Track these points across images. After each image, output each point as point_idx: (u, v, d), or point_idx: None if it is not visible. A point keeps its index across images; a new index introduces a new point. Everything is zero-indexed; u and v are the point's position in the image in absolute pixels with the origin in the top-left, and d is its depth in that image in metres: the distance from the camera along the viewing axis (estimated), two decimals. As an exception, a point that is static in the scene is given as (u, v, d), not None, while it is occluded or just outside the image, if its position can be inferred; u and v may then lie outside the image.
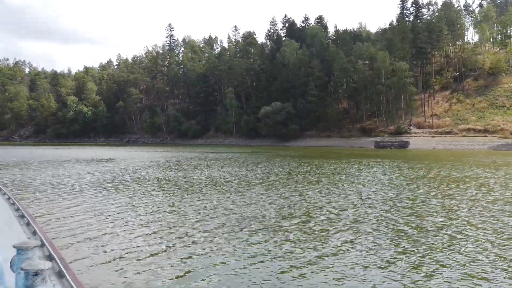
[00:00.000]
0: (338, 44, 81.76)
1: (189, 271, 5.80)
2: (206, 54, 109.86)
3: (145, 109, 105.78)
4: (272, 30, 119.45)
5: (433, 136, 59.92)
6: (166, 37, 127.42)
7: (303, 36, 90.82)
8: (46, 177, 17.36)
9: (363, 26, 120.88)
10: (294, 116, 73.15)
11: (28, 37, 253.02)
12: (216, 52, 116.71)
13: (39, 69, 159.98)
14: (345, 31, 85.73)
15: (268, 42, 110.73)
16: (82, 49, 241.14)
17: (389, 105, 68.17)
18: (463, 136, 57.30)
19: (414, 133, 62.98)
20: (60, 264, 4.05)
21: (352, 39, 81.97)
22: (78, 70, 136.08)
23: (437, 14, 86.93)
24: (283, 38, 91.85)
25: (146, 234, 7.88)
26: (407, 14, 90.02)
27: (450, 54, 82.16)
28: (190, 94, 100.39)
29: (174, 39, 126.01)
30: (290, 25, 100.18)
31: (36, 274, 2.20)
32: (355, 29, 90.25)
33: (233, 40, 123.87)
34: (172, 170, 21.18)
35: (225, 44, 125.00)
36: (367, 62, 72.43)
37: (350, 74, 71.50)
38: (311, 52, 79.80)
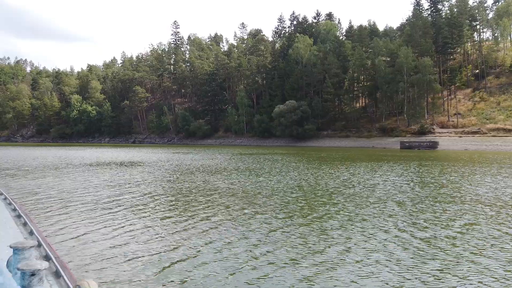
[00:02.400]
0: (353, 40, 78.76)
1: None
2: (214, 52, 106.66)
3: (151, 109, 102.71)
4: (280, 28, 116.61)
5: (460, 136, 56.99)
6: (172, 34, 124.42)
7: (315, 33, 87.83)
8: (104, 194, 14.32)
9: (372, 23, 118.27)
10: (309, 115, 70.18)
11: (27, 36, 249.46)
12: (223, 50, 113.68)
13: (41, 68, 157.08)
14: (361, 26, 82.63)
15: (275, 40, 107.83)
16: (83, 49, 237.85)
17: (410, 104, 65.26)
18: (492, 136, 54.38)
19: (439, 133, 60.02)
20: (57, 264, 4.03)
21: (369, 35, 78.96)
22: (82, 68, 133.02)
23: (455, 10, 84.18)
24: (296, 34, 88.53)
25: (154, 240, 7.45)
26: (420, 10, 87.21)
27: (469, 51, 79.34)
28: (198, 93, 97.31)
29: (180, 37, 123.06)
30: (301, 22, 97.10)
31: (33, 274, 2.17)
32: (370, 25, 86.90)
33: (240, 37, 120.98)
34: (230, 175, 17.97)
35: (231, 42, 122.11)
36: (384, 58, 69.52)
37: (369, 71, 68.51)
38: (326, 48, 76.80)
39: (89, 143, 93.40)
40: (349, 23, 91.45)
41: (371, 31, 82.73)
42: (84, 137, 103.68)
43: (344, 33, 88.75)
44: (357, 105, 75.53)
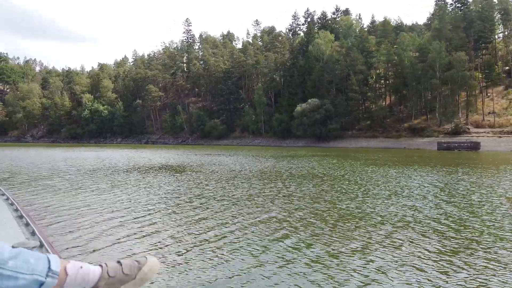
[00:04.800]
0: (377, 36, 75.33)
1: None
2: (228, 50, 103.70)
3: (164, 108, 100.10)
4: (294, 25, 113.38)
5: (500, 137, 53.22)
6: (184, 32, 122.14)
7: (335, 29, 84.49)
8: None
9: (396, 18, 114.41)
10: (333, 114, 66.84)
11: (27, 36, 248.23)
12: (237, 47, 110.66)
13: (50, 68, 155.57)
14: (385, 21, 78.96)
15: (289, 38, 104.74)
16: (88, 49, 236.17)
17: (441, 101, 61.62)
18: (536, 136, 50.70)
19: (475, 132, 56.28)
20: None
21: (394, 30, 75.39)
22: (92, 67, 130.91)
23: (480, 4, 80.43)
24: (315, 30, 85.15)
25: (155, 241, 6.93)
26: (445, 3, 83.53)
27: (498, 46, 75.39)
28: (213, 91, 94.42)
29: (192, 35, 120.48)
30: (320, 17, 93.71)
31: None
32: (395, 19, 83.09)
33: (254, 34, 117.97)
34: (335, 185, 14.84)
35: (247, 40, 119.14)
36: (412, 54, 65.99)
37: (397, 67, 64.97)
38: (348, 44, 73.34)
39: (101, 144, 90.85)
40: (372, 17, 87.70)
41: (396, 26, 79.02)
42: (95, 137, 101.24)
43: (366, 29, 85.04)
44: (383, 103, 71.97)
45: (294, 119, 70.89)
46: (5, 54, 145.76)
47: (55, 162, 27.43)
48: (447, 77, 57.22)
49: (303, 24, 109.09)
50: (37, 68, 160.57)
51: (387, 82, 70.77)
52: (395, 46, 69.58)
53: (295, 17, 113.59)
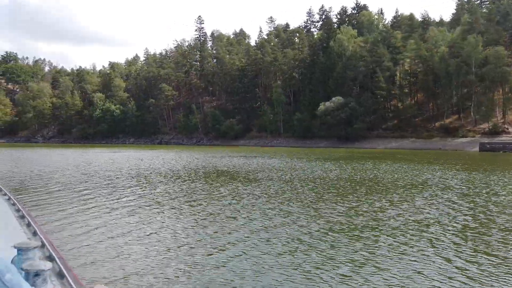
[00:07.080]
0: (402, 31, 71.97)
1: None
2: (243, 47, 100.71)
3: (177, 108, 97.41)
4: (309, 22, 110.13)
5: (543, 137, 49.83)
6: (196, 30, 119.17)
7: (357, 24, 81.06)
8: None
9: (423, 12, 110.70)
10: (359, 113, 63.55)
11: (42, 38, 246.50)
12: (252, 45, 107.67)
13: (59, 68, 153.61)
14: (411, 15, 75.39)
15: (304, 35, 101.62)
16: (99, 49, 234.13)
17: (475, 100, 58.11)
18: None
19: (515, 132, 52.88)
20: (60, 265, 4.08)
21: (420, 24, 71.93)
22: (103, 66, 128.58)
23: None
24: (335, 26, 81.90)
25: (153, 239, 7.31)
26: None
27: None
28: (228, 90, 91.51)
29: (204, 33, 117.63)
30: (339, 13, 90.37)
31: (36, 274, 2.19)
32: (422, 13, 79.14)
33: (269, 31, 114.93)
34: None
35: (259, 38, 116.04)
36: (443, 48, 62.52)
37: (428, 63, 61.52)
38: (372, 39, 69.94)
39: (115, 144, 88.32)
40: (395, 12, 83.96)
41: (423, 20, 75.42)
42: (107, 137, 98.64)
43: (390, 24, 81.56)
44: (411, 101, 68.58)
45: (316, 118, 67.79)
46: (15, 54, 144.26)
47: (88, 166, 24.72)
48: (484, 73, 53.73)
49: (317, 22, 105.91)
50: (46, 68, 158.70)
51: (415, 79, 67.38)
52: (422, 42, 66.23)
53: (309, 14, 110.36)
